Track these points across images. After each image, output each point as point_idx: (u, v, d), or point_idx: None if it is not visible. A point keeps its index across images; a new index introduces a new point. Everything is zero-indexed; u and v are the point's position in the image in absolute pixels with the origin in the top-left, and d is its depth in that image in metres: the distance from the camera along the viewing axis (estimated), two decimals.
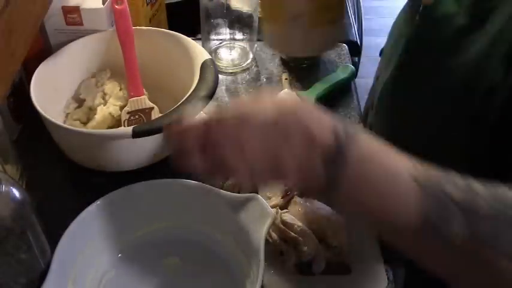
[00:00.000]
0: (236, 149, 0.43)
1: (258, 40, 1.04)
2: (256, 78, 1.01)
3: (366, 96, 1.05)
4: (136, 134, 0.68)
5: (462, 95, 0.57)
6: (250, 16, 0.98)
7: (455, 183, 0.41)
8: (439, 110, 0.61)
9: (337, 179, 0.42)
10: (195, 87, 0.74)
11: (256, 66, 1.03)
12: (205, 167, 0.45)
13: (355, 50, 1.13)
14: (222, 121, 0.45)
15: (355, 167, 0.41)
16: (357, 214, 0.44)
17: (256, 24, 0.99)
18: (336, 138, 0.42)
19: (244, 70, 1.02)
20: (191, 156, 0.45)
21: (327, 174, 0.42)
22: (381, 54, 0.94)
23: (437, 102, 0.61)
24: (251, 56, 1.03)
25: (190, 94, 0.73)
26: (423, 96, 0.64)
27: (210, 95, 0.74)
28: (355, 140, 0.42)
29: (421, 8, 0.64)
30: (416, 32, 0.65)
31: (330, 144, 0.42)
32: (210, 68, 0.77)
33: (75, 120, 0.81)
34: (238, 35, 1.02)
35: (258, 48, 1.05)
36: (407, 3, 0.77)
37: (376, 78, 0.85)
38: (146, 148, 0.74)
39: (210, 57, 0.79)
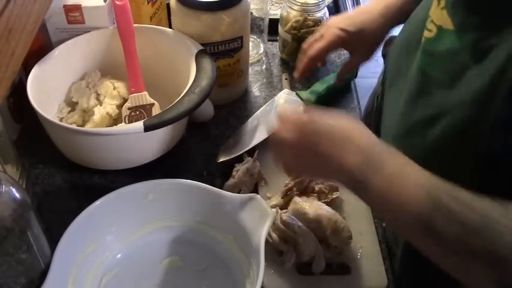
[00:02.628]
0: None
1: (269, 41, 1.06)
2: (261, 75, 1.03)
3: (366, 96, 1.05)
4: (147, 128, 0.68)
5: (464, 133, 0.56)
6: (261, 19, 1.02)
7: (454, 196, 0.48)
8: (443, 148, 0.59)
9: (358, 194, 0.53)
10: (195, 77, 0.74)
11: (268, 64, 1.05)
12: None
13: None
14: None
15: (376, 194, 0.51)
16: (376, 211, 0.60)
17: (267, 27, 1.02)
18: (359, 169, 0.51)
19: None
20: None
21: (351, 189, 0.53)
22: (383, 55, 0.93)
23: (440, 140, 0.59)
24: (261, 50, 1.06)
25: (192, 84, 0.73)
26: (426, 135, 0.61)
27: (211, 84, 0.74)
28: (377, 172, 0.51)
29: (422, 41, 0.64)
30: (419, 66, 0.64)
31: (353, 174, 0.51)
32: (206, 58, 0.78)
33: (71, 123, 0.80)
34: (252, 37, 1.03)
35: None
36: (401, 31, 0.76)
37: (382, 82, 0.83)
38: (147, 146, 0.74)
39: (203, 48, 0.80)
